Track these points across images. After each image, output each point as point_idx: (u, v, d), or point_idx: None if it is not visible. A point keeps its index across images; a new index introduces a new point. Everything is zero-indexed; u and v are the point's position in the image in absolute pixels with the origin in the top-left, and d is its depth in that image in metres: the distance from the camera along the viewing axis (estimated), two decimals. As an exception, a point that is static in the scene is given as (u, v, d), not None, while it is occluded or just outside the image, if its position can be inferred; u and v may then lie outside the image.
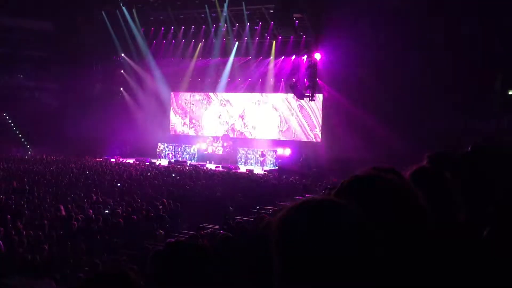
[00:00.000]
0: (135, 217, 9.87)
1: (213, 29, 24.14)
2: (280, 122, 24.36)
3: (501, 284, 1.16)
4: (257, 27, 23.25)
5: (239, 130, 25.53)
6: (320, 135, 22.89)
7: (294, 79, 21.51)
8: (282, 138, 24.13)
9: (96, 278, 1.02)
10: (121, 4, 24.95)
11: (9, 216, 9.43)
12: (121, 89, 27.61)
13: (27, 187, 13.20)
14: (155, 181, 15.55)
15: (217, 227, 8.49)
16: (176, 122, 27.48)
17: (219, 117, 26.12)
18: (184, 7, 23.74)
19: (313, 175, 17.38)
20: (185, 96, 27.19)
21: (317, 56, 20.94)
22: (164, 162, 23.81)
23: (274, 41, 23.22)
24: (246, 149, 24.29)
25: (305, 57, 21.45)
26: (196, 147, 25.29)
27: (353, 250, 0.86)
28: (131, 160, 22.88)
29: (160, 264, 1.81)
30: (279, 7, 20.33)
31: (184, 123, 27.28)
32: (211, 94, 26.26)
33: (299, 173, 18.08)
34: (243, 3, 22.04)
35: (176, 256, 1.79)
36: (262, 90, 24.53)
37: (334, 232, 0.87)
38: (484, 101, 17.43)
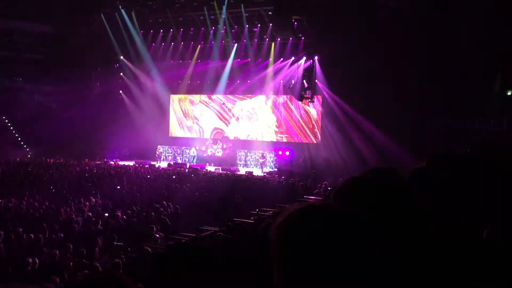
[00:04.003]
0: (135, 219, 9.87)
1: (212, 32, 24.16)
2: (279, 124, 24.36)
3: (500, 284, 1.16)
4: (256, 29, 23.26)
5: (238, 132, 25.51)
6: (319, 136, 22.89)
7: (293, 81, 21.53)
8: (282, 140, 24.13)
9: (86, 282, 1.03)
10: (120, 7, 24.96)
11: (9, 219, 9.42)
12: (120, 91, 27.61)
13: (26, 190, 13.19)
14: (154, 183, 15.55)
15: (216, 229, 8.48)
16: (176, 125, 27.48)
17: (218, 119, 26.11)
18: (183, 9, 23.75)
19: (313, 177, 17.37)
20: (184, 99, 27.19)
21: (316, 58, 20.99)
22: (163, 164, 23.81)
23: (273, 43, 23.22)
24: (245, 151, 24.30)
25: (304, 59, 21.46)
26: (195, 149, 25.28)
27: (354, 254, 0.86)
28: (130, 163, 22.87)
29: (162, 267, 1.81)
30: (277, 9, 20.35)
31: (184, 126, 27.28)
32: (210, 96, 26.25)
33: (298, 175, 18.07)
34: (242, 5, 22.04)
35: (177, 259, 1.79)
36: (261, 92, 24.52)
37: (335, 237, 0.87)
38: (483, 102, 17.45)
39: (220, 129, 25.91)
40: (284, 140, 24.04)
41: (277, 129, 24.48)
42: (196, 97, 26.81)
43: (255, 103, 25.05)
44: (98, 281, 1.03)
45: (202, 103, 26.66)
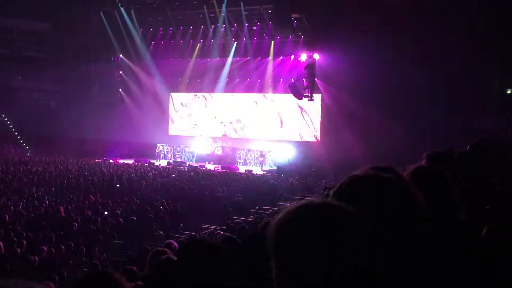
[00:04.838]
0: (135, 218, 9.87)
1: (211, 30, 24.12)
2: (279, 122, 24.35)
3: (499, 282, 1.16)
4: (255, 27, 23.23)
5: (238, 130, 25.51)
6: (319, 135, 22.88)
7: (292, 79, 21.51)
8: (281, 138, 24.10)
9: (81, 281, 1.03)
10: (119, 5, 24.91)
11: (8, 218, 9.42)
12: (120, 90, 27.58)
13: (26, 189, 13.18)
14: (154, 181, 15.54)
15: (216, 227, 8.48)
16: (175, 123, 27.45)
17: (218, 118, 26.10)
18: (182, 7, 23.71)
19: (313, 175, 17.36)
20: (184, 97, 27.17)
21: (316, 56, 20.96)
22: (163, 162, 23.79)
23: (272, 41, 23.19)
24: (245, 149, 24.29)
25: (303, 57, 21.44)
26: (195, 148, 25.27)
27: (353, 252, 0.85)
28: (130, 161, 22.85)
29: (174, 266, 1.77)
30: (277, 7, 20.33)
31: (183, 124, 27.25)
32: (209, 94, 26.24)
33: (298, 173, 18.06)
34: (241, 3, 22.01)
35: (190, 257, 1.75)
36: (260, 90, 24.50)
37: (332, 234, 0.87)
38: (482, 100, 17.45)
39: (220, 127, 25.87)
40: (284, 138, 24.01)
41: (277, 128, 24.46)
42: (195, 95, 26.78)
43: (254, 101, 25.02)
44: (94, 280, 1.03)
45: (202, 101, 26.63)
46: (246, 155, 24.15)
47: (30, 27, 27.83)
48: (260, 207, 10.81)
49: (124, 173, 17.38)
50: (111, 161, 23.09)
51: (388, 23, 17.50)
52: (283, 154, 22.52)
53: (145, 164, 21.76)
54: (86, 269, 6.39)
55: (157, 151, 25.80)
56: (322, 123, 22.56)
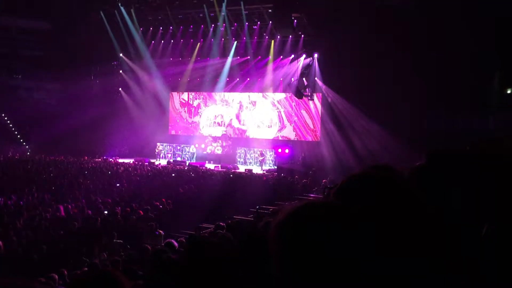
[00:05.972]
0: (134, 217, 9.88)
1: (211, 29, 24.11)
2: (279, 122, 24.35)
3: (500, 282, 1.16)
4: (255, 27, 23.22)
5: (237, 130, 25.51)
6: (319, 134, 22.88)
7: (292, 79, 21.50)
8: (281, 137, 24.11)
9: (81, 280, 1.04)
10: (119, 4, 24.90)
11: (8, 217, 9.43)
12: (120, 89, 27.58)
13: (26, 188, 13.19)
14: (154, 181, 15.55)
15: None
16: (175, 122, 27.46)
17: (218, 117, 26.10)
18: (182, 7, 23.70)
19: (313, 175, 17.37)
20: (183, 96, 27.17)
21: (316, 55, 20.97)
22: (163, 162, 23.80)
23: (272, 41, 23.18)
24: (245, 148, 24.29)
25: (303, 57, 21.44)
26: (195, 147, 25.28)
27: (353, 252, 0.85)
28: (130, 160, 22.85)
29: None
30: (277, 7, 20.31)
31: (183, 123, 27.26)
32: (209, 94, 26.23)
33: (298, 173, 18.06)
34: (241, 2, 21.99)
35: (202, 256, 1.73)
36: (260, 89, 24.49)
37: (335, 235, 0.86)
38: (482, 100, 17.46)
39: (219, 127, 25.87)
40: (284, 138, 24.01)
41: (276, 127, 24.46)
42: (195, 95, 26.78)
43: (254, 100, 25.02)
44: (94, 279, 1.03)
45: (202, 100, 26.62)
46: (246, 154, 24.15)
47: (30, 26, 27.82)
48: (260, 207, 10.81)
49: (124, 173, 17.38)
50: (111, 160, 23.08)
51: (388, 22, 17.50)
52: (283, 153, 22.49)
53: (145, 163, 21.76)
54: (86, 269, 6.39)
55: (157, 150, 25.80)
56: (322, 122, 22.54)
